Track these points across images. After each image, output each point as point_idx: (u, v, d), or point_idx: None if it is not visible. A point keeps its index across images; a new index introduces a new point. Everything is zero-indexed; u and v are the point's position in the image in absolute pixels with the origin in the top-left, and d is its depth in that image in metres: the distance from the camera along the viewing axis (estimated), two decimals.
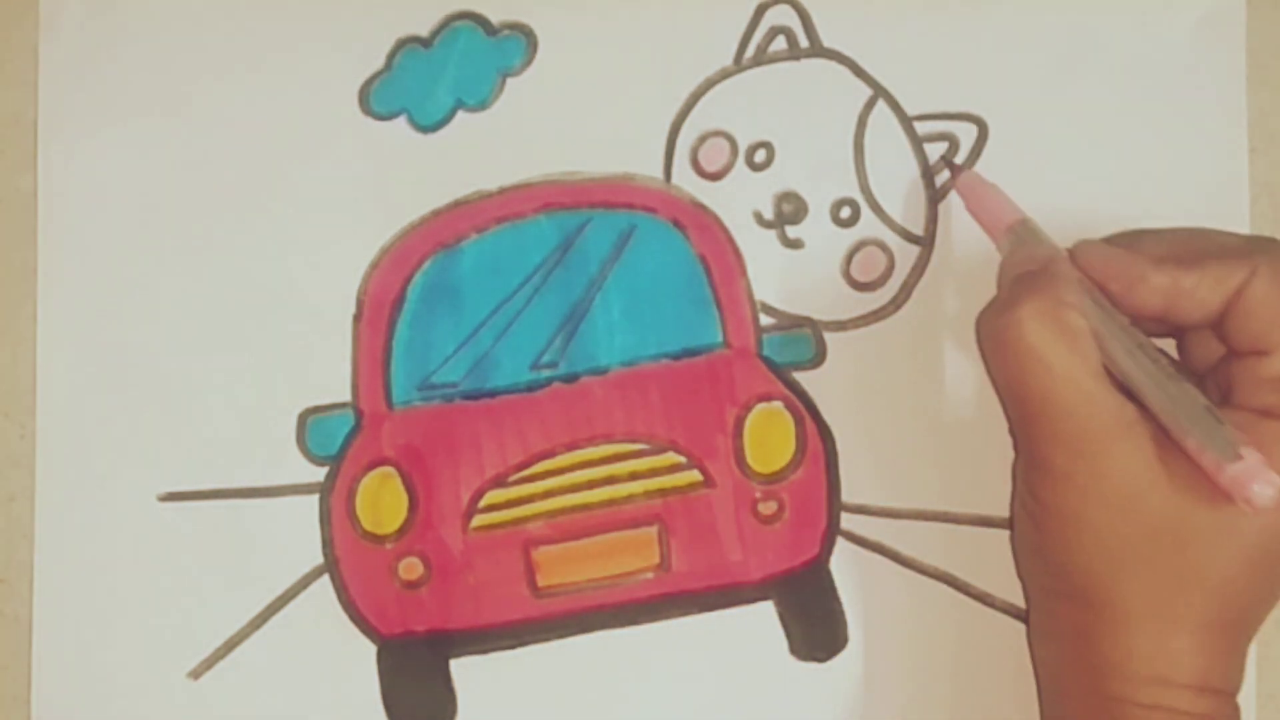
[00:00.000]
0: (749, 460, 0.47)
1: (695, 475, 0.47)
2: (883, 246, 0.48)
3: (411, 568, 0.47)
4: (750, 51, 0.49)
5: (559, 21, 0.49)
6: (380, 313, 0.48)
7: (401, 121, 0.49)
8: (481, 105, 0.49)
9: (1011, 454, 0.44)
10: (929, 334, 0.48)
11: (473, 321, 0.48)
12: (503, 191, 0.49)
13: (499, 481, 0.47)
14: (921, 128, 0.49)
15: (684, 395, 0.48)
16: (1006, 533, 0.46)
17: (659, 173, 0.49)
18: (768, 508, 0.47)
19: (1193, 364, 0.44)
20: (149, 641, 0.48)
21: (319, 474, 0.48)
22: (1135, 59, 0.48)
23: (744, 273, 0.48)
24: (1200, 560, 0.40)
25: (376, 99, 0.49)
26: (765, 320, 0.48)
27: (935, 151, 0.48)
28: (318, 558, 0.48)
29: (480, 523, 0.47)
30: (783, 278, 0.48)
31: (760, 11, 0.49)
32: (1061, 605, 0.42)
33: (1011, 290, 0.42)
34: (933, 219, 0.48)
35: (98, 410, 0.48)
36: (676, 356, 0.48)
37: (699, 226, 0.49)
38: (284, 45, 0.49)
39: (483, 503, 0.47)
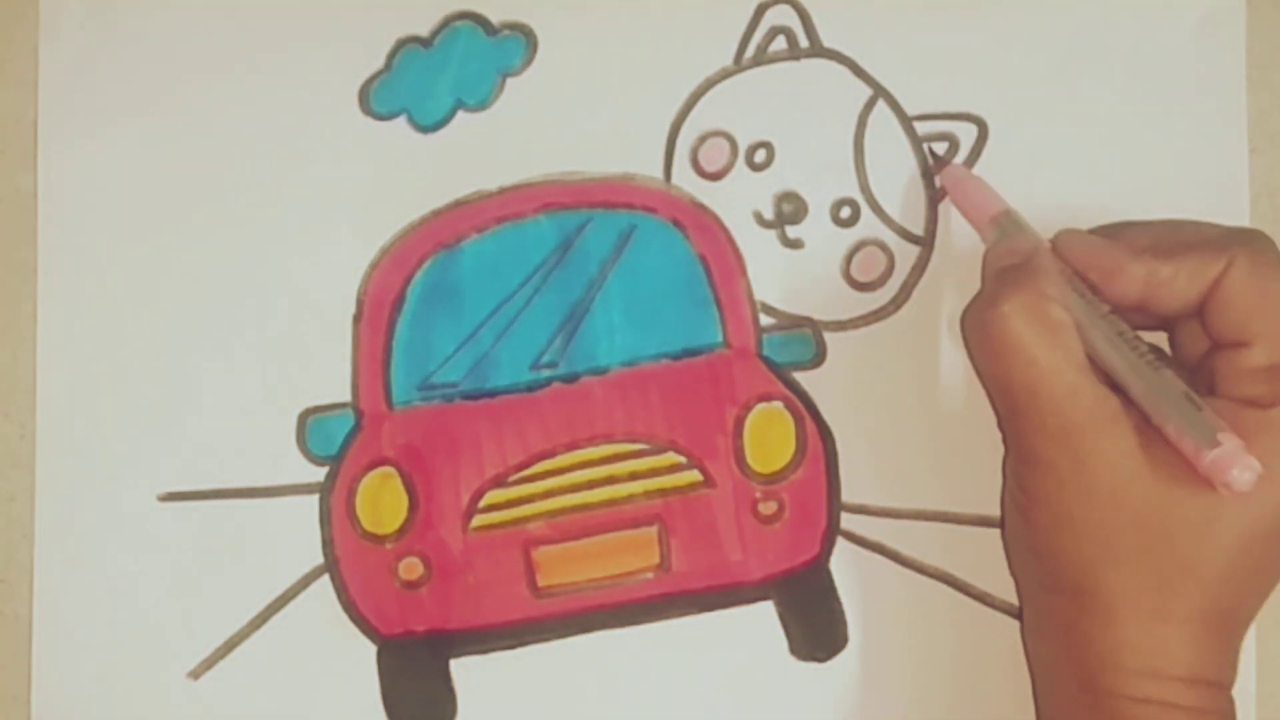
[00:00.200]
0: (749, 460, 0.47)
1: (695, 475, 0.47)
2: (883, 246, 0.48)
3: (411, 568, 0.47)
4: (750, 51, 0.49)
5: (559, 21, 0.49)
6: (380, 313, 0.48)
7: (401, 121, 0.49)
8: (481, 105, 0.49)
9: None
10: (929, 334, 0.48)
11: (473, 321, 0.48)
12: (503, 191, 0.49)
13: (499, 481, 0.47)
14: (921, 128, 0.49)
15: (684, 395, 0.48)
16: None
17: (659, 173, 0.49)
18: (768, 508, 0.47)
19: (1184, 356, 0.44)
20: (149, 641, 0.48)
21: (319, 474, 0.48)
22: (1135, 59, 0.48)
23: (744, 273, 0.48)
24: (1187, 550, 0.40)
25: (376, 99, 0.49)
26: (765, 320, 0.48)
27: (936, 152, 0.48)
28: (318, 558, 0.48)
29: (480, 523, 0.47)
30: (783, 278, 0.48)
31: (760, 11, 0.49)
32: (1052, 599, 0.42)
33: (995, 285, 0.42)
34: (933, 219, 0.48)
35: (98, 410, 0.48)
36: (676, 356, 0.48)
37: (699, 226, 0.48)
38: (284, 45, 0.49)
39: (483, 503, 0.47)
